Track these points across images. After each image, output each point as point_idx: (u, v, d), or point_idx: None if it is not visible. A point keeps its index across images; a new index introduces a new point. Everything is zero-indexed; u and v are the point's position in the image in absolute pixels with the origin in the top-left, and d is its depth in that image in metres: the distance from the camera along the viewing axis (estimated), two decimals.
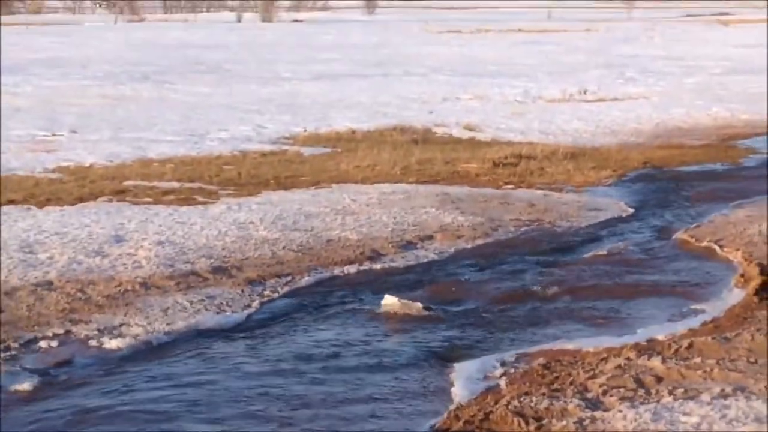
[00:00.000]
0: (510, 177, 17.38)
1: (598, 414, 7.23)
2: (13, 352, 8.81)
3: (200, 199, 15.01)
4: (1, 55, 41.15)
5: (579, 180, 17.29)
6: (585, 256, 12.49)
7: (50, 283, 10.63)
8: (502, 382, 8.16)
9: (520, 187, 16.67)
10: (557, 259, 12.29)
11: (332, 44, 53.63)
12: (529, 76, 36.68)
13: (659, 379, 7.99)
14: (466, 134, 22.68)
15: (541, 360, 8.60)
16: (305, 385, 8.26)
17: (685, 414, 7.19)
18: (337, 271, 11.66)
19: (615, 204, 15.47)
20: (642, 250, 12.79)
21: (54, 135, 21.49)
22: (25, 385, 8.17)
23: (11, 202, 14.45)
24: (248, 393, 8.10)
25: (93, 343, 9.12)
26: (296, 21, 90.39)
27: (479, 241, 13.09)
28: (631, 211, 15.08)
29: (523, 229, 13.79)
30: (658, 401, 7.49)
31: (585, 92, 30.76)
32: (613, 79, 36.26)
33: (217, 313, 10.03)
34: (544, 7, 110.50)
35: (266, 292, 10.78)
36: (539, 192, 16.22)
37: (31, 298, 10.15)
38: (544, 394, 7.68)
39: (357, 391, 8.14)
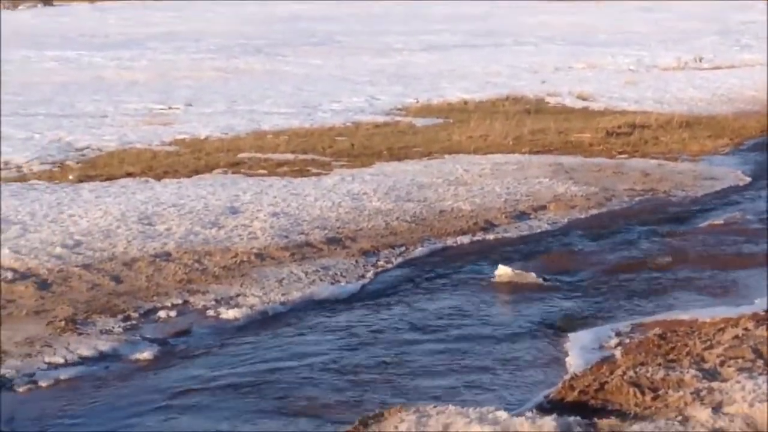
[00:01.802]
0: (624, 146, 17.22)
1: (715, 385, 7.15)
2: (134, 322, 8.98)
3: (314, 170, 15.12)
4: (110, 30, 41.64)
5: (694, 149, 17.07)
6: (701, 225, 12.35)
7: (168, 254, 10.80)
8: (618, 352, 8.11)
9: (634, 156, 16.51)
10: (672, 229, 12.16)
11: (442, 15, 53.40)
12: (642, 44, 36.20)
13: None
14: (579, 104, 22.51)
15: (657, 330, 8.52)
16: (420, 355, 8.31)
17: None
18: (450, 241, 11.68)
19: (731, 173, 15.26)
20: (759, 219, 12.60)
21: (170, 108, 21.79)
22: (146, 354, 8.33)
23: (129, 174, 14.71)
24: (364, 363, 8.15)
25: (210, 313, 9.26)
26: None
27: (593, 211, 13.02)
28: (748, 180, 14.87)
29: (637, 198, 13.68)
30: None
31: (700, 60, 30.28)
32: (729, 46, 35.64)
33: (332, 283, 10.12)
34: None
35: (380, 263, 10.84)
36: (654, 161, 16.05)
37: (150, 268, 10.33)
38: (660, 365, 7.61)
39: (472, 360, 8.16)
